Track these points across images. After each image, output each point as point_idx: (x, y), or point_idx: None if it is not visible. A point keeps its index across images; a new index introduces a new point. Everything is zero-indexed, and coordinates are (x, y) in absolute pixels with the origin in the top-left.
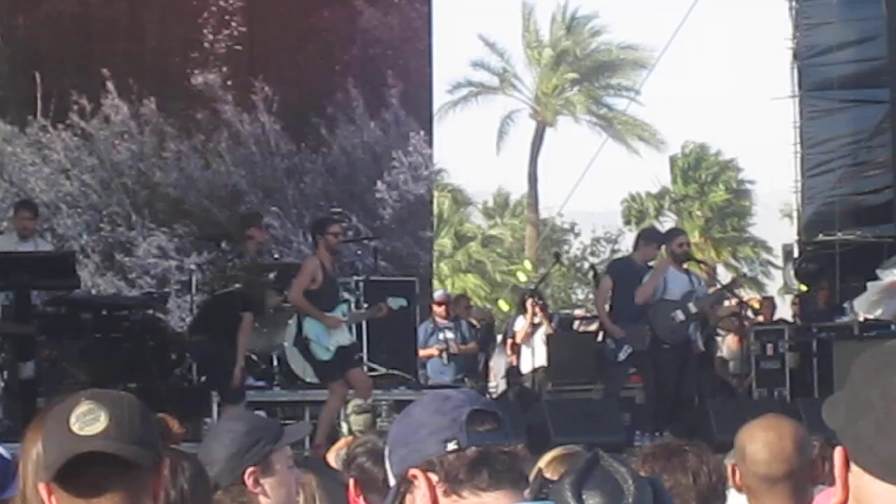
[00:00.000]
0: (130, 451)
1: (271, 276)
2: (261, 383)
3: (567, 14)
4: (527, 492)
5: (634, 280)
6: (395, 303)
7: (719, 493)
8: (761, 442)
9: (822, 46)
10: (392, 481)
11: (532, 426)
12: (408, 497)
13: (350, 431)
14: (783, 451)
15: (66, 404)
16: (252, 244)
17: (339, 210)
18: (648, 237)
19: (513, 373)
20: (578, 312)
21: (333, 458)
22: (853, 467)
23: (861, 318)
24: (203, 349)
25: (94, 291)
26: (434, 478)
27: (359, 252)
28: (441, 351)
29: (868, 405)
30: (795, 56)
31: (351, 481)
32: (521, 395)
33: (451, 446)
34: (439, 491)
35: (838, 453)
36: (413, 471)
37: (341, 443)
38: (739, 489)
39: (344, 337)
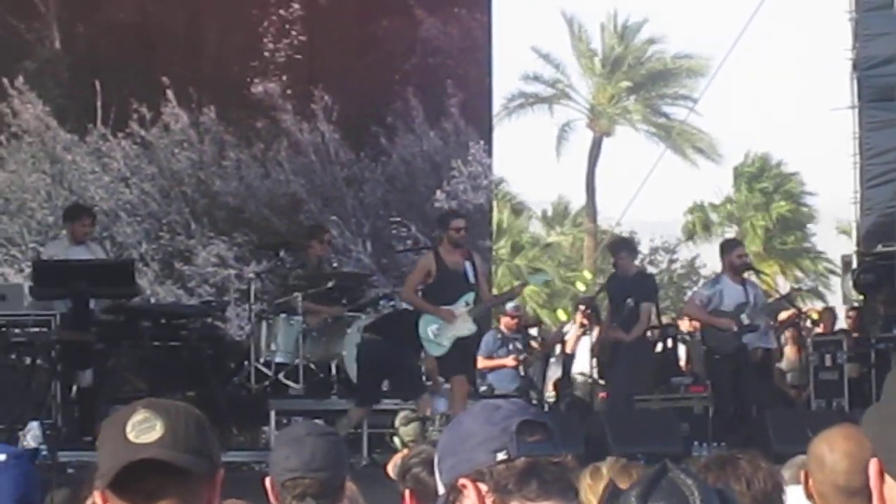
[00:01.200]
0: (185, 460)
1: (330, 284)
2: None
3: (618, 23)
4: None
5: (621, 293)
6: (538, 279)
7: (774, 500)
8: (842, 452)
9: (881, 57)
10: (441, 490)
11: (590, 436)
12: None
13: (403, 444)
14: (864, 463)
15: (122, 413)
16: (311, 253)
17: (397, 219)
18: (613, 248)
19: (564, 382)
20: None
21: (391, 469)
22: (888, 478)
23: None
24: (376, 347)
25: (153, 300)
26: (483, 487)
27: None
28: (519, 362)
29: (895, 416)
30: (855, 67)
31: (406, 492)
32: (574, 404)
33: (501, 456)
34: (488, 501)
35: (873, 464)
36: (462, 480)
37: (398, 455)
38: (810, 496)
39: (464, 328)
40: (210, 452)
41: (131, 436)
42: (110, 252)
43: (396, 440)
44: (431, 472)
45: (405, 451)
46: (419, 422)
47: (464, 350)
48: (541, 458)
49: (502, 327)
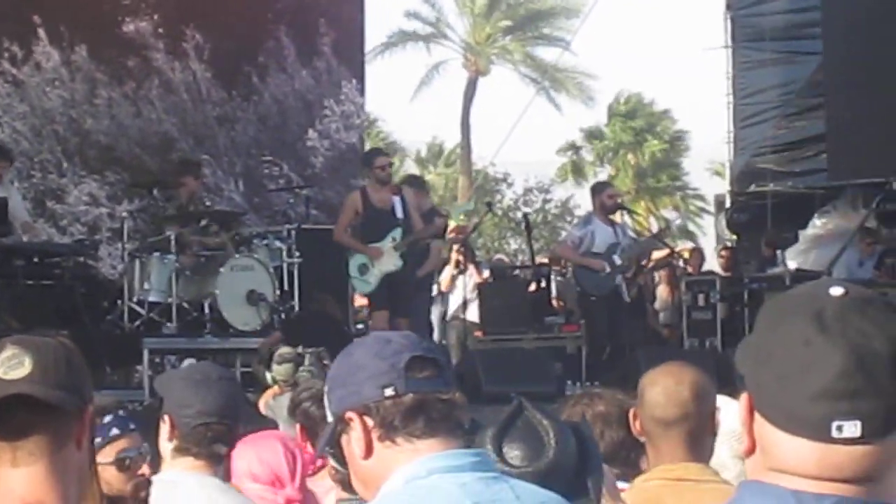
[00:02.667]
0: (54, 396)
1: (203, 222)
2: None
3: None
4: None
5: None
6: (460, 209)
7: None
8: (660, 386)
9: None
10: (329, 418)
11: (463, 375)
12: (343, 437)
13: (275, 381)
14: (679, 396)
15: None
16: (184, 191)
17: (269, 158)
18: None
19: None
20: (507, 261)
21: (263, 406)
22: (757, 415)
23: (792, 269)
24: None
25: (25, 238)
26: (370, 422)
27: (291, 200)
28: None
29: (769, 354)
30: (728, 7)
31: (297, 427)
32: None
33: (389, 392)
34: (374, 436)
35: (743, 400)
36: (349, 414)
37: (269, 392)
38: (640, 435)
39: (390, 264)
40: (80, 389)
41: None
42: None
43: (269, 377)
44: (321, 408)
45: (276, 388)
46: (293, 363)
47: (392, 285)
48: (428, 395)
49: None
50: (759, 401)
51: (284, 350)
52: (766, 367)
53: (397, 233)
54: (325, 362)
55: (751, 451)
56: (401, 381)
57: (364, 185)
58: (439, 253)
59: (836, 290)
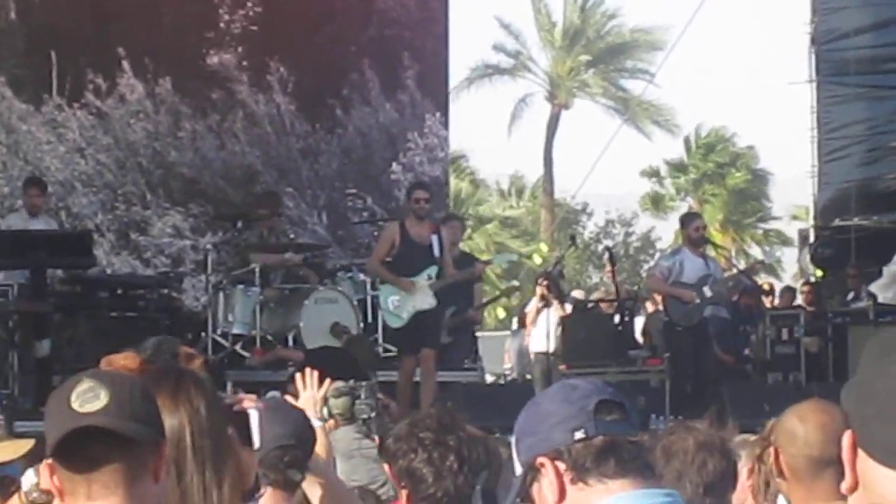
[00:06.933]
0: (129, 428)
1: (286, 255)
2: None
3: None
4: None
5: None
6: (501, 259)
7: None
8: (815, 424)
9: (839, 31)
10: (518, 470)
11: None
12: (534, 485)
13: (331, 415)
14: (837, 434)
15: (67, 384)
16: (265, 224)
17: (353, 191)
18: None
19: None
20: (595, 295)
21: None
22: (860, 451)
23: (876, 303)
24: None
25: (109, 270)
26: (561, 466)
27: (375, 233)
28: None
29: (872, 391)
30: (813, 41)
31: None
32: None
33: (579, 435)
34: (566, 479)
35: (847, 437)
36: (541, 459)
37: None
38: (780, 474)
39: (424, 302)
40: (155, 421)
41: (76, 405)
42: (65, 225)
43: (325, 411)
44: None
45: (332, 422)
46: (350, 396)
47: (425, 323)
48: (618, 436)
49: None
50: (861, 437)
51: (340, 383)
52: (868, 404)
53: (433, 271)
54: (379, 395)
55: (853, 487)
56: (590, 423)
57: (403, 218)
58: (480, 293)
59: None
